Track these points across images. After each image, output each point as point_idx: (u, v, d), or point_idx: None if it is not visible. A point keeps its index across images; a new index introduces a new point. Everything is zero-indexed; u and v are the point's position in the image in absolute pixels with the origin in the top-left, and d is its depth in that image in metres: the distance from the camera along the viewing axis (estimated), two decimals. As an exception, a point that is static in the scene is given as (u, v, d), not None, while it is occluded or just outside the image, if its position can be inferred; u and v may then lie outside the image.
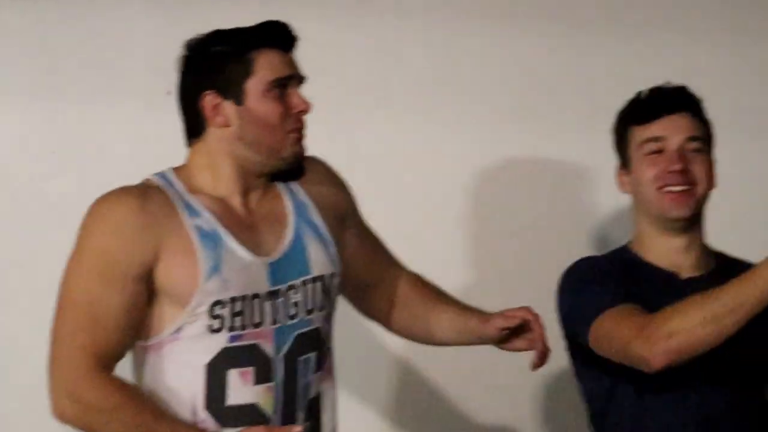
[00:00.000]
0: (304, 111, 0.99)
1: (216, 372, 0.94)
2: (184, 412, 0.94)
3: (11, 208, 1.46)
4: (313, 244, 1.01)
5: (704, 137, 1.12)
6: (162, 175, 0.99)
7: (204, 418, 0.94)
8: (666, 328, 0.96)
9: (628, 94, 1.15)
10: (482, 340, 1.12)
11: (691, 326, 0.95)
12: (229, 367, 0.94)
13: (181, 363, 0.95)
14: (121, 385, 0.93)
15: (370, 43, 1.59)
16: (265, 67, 0.97)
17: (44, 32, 1.50)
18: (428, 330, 1.15)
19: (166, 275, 0.93)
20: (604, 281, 1.09)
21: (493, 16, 1.63)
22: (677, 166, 1.06)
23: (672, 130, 1.09)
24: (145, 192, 0.96)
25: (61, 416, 0.91)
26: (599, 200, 1.62)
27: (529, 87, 1.65)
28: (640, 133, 1.10)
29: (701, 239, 1.15)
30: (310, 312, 1.00)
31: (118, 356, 0.94)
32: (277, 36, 0.99)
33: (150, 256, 0.92)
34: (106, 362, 0.92)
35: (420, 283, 1.18)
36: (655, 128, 1.09)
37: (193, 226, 0.94)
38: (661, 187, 1.07)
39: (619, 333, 1.02)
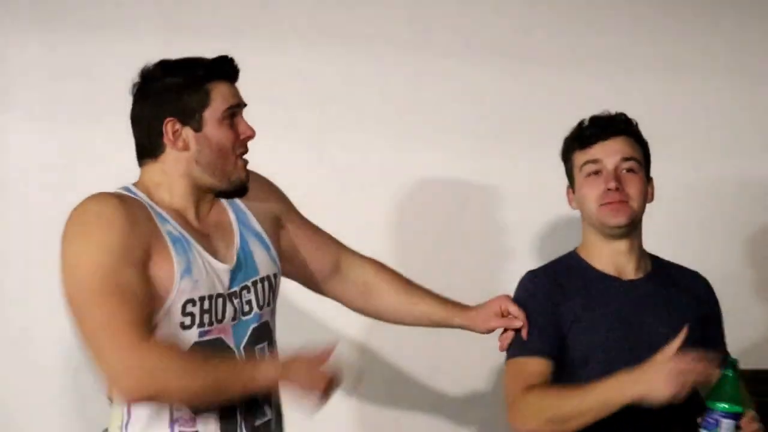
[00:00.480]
0: (251, 137, 1.11)
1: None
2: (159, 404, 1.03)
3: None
4: (257, 249, 1.13)
5: (638, 158, 1.25)
6: (126, 188, 1.08)
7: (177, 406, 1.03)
8: (528, 413, 1.17)
9: (571, 122, 1.31)
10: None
11: (539, 423, 1.15)
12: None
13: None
14: (173, 344, 1.01)
15: (350, 72, 1.86)
16: (219, 97, 1.07)
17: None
18: (401, 318, 1.33)
19: (151, 275, 1.00)
20: (530, 320, 1.23)
21: (451, 52, 1.89)
22: (612, 185, 1.21)
23: (607, 153, 1.23)
24: (122, 196, 1.04)
25: (131, 394, 0.98)
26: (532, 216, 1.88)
27: (481, 113, 1.89)
28: (581, 157, 1.25)
29: (639, 245, 1.29)
30: (261, 308, 1.12)
31: (152, 327, 1.00)
32: (227, 69, 1.10)
33: (144, 250, 1.00)
34: (150, 331, 0.98)
35: (383, 269, 1.32)
36: (593, 152, 1.24)
37: (165, 231, 1.03)
38: (601, 204, 1.22)
39: (508, 388, 1.23)
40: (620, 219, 1.21)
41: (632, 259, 1.27)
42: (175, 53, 1.11)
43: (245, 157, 1.12)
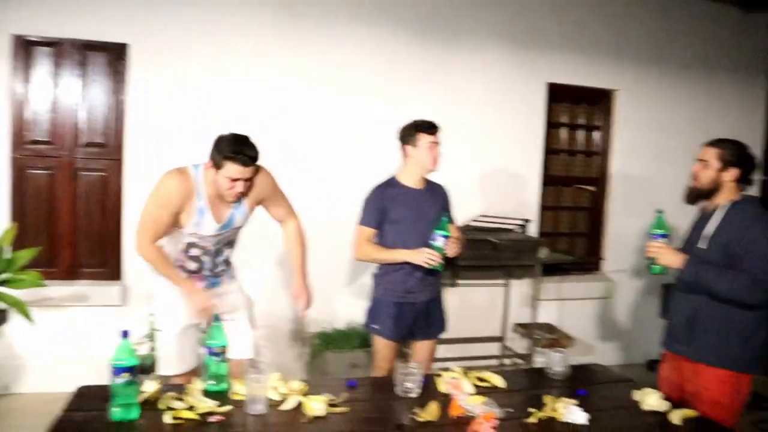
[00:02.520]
0: (234, 193, 2.42)
1: (188, 246, 2.53)
2: (174, 253, 2.53)
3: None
4: (239, 214, 2.53)
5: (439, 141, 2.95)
6: (196, 166, 2.45)
7: (180, 257, 2.55)
8: (362, 254, 2.97)
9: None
10: None
11: (366, 258, 2.94)
12: (191, 247, 2.53)
13: (176, 240, 2.51)
14: (158, 248, 2.47)
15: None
16: (227, 170, 2.37)
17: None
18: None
19: (180, 219, 2.44)
20: (368, 207, 2.94)
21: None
22: (436, 154, 2.92)
23: (438, 139, 2.92)
24: (183, 175, 2.41)
25: (141, 256, 2.47)
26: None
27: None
28: (427, 138, 2.91)
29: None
30: (228, 237, 2.58)
31: (160, 239, 2.46)
32: (241, 157, 2.34)
33: (178, 206, 2.39)
34: (155, 240, 2.45)
35: (295, 233, 2.77)
36: (436, 137, 2.93)
37: (196, 204, 2.42)
38: (432, 162, 2.93)
39: (355, 240, 2.94)
40: (436, 168, 2.96)
41: (421, 181, 2.97)
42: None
43: (237, 193, 2.43)
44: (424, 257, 2.74)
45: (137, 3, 3.84)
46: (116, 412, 1.79)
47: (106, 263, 3.98)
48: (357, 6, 4.22)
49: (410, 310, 2.93)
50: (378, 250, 2.88)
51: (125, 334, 1.80)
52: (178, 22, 3.89)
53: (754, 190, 5.14)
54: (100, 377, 2.35)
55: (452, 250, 2.81)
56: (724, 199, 2.38)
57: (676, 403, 2.15)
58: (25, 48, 3.75)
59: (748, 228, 2.24)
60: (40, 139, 3.83)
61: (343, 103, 4.23)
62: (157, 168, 3.78)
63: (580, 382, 2.33)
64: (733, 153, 2.40)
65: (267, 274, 4.07)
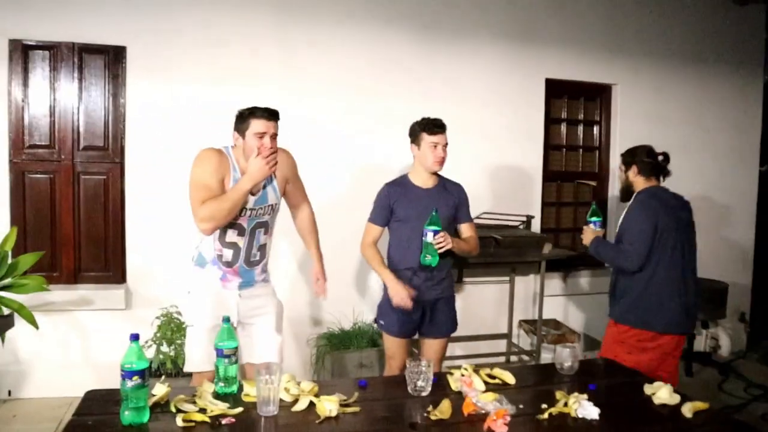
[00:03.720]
0: (265, 147, 2.46)
1: (222, 230, 2.57)
2: (212, 242, 2.61)
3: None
4: (271, 191, 2.64)
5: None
6: (227, 148, 2.55)
7: (216, 245, 2.60)
8: (367, 256, 3.05)
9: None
10: None
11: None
12: (228, 229, 2.57)
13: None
14: (212, 199, 2.46)
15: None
16: (252, 126, 2.50)
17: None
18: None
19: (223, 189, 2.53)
20: (376, 204, 3.02)
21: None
22: (440, 156, 2.95)
23: (440, 140, 2.94)
24: (220, 152, 2.52)
25: (202, 223, 2.46)
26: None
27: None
28: (429, 138, 2.93)
29: (437, 173, 3.05)
30: (263, 216, 2.63)
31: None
32: (264, 114, 2.49)
33: (222, 175, 2.48)
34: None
35: (311, 218, 2.92)
36: (436, 138, 2.93)
37: (233, 177, 2.51)
38: (434, 161, 2.93)
39: (364, 239, 3.06)
40: (439, 168, 2.97)
41: (431, 180, 3.00)
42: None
43: (267, 150, 2.47)
44: (398, 299, 2.83)
45: (134, 5, 3.82)
46: (127, 416, 1.78)
47: (108, 267, 3.96)
48: (355, 5, 4.21)
49: (416, 307, 2.91)
50: (375, 259, 2.93)
51: (135, 337, 1.79)
52: (175, 23, 3.87)
53: (751, 181, 5.25)
54: (105, 381, 2.35)
55: (442, 245, 2.79)
56: (637, 191, 3.02)
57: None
58: (22, 52, 3.73)
59: (629, 213, 2.95)
60: (40, 143, 3.80)
61: (341, 103, 4.21)
62: (159, 170, 3.81)
63: (590, 376, 2.32)
64: (627, 153, 3.06)
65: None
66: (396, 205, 2.92)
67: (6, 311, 3.31)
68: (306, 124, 4.10)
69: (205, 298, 2.55)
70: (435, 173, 2.96)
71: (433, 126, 2.87)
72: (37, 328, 3.35)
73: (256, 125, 2.45)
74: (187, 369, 2.59)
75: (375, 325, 3.54)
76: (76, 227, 3.88)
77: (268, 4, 4.03)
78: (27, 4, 3.68)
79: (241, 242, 2.57)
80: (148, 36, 3.83)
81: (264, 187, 2.57)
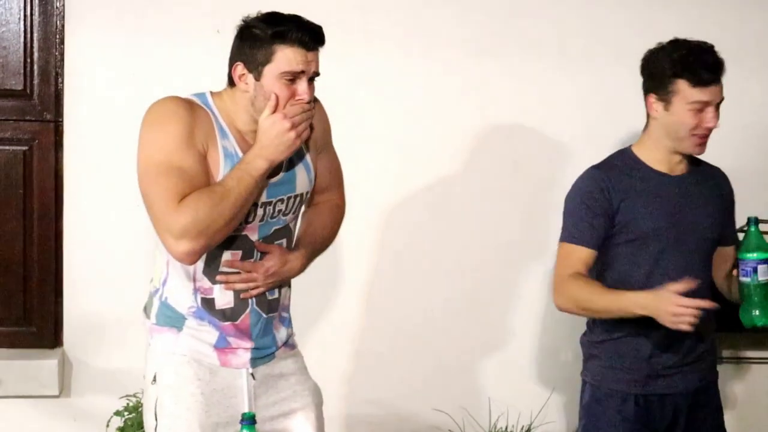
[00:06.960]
0: (302, 100, 1.49)
1: (213, 252, 1.51)
2: (186, 275, 1.54)
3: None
4: (301, 172, 1.64)
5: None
6: (202, 96, 1.56)
7: (199, 278, 1.55)
8: (567, 297, 1.79)
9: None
10: None
11: (575, 307, 1.78)
12: (224, 249, 1.54)
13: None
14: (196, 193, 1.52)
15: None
16: (282, 60, 1.47)
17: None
18: None
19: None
20: (579, 213, 1.80)
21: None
22: (712, 125, 1.75)
23: (714, 97, 1.73)
24: (192, 103, 1.53)
25: (180, 242, 1.43)
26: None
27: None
28: (693, 94, 1.70)
29: None
30: (286, 215, 1.63)
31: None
32: (302, 36, 1.47)
33: (202, 144, 1.48)
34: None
35: (330, 213, 1.81)
36: (704, 95, 1.71)
37: (221, 146, 1.52)
38: (693, 134, 1.74)
39: (557, 269, 1.82)
40: (701, 150, 1.80)
41: (683, 161, 1.83)
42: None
43: (305, 101, 1.50)
44: (673, 318, 1.72)
45: None
46: None
47: (30, 317, 2.73)
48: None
49: (660, 409, 1.91)
50: (593, 290, 1.88)
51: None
52: None
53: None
54: None
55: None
56: None
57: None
58: None
59: None
60: None
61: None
62: (127, 136, 2.36)
63: None
64: None
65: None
66: (624, 205, 1.85)
67: None
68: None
69: (185, 396, 1.66)
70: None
71: (703, 69, 1.78)
72: None
73: (288, 57, 1.52)
74: None
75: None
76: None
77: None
78: None
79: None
80: None
81: (290, 163, 1.68)
